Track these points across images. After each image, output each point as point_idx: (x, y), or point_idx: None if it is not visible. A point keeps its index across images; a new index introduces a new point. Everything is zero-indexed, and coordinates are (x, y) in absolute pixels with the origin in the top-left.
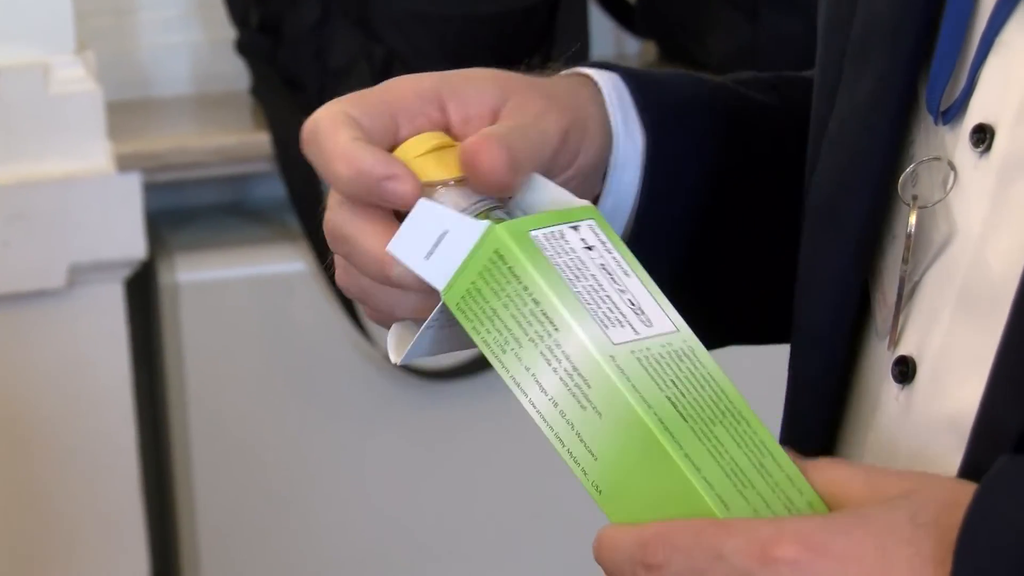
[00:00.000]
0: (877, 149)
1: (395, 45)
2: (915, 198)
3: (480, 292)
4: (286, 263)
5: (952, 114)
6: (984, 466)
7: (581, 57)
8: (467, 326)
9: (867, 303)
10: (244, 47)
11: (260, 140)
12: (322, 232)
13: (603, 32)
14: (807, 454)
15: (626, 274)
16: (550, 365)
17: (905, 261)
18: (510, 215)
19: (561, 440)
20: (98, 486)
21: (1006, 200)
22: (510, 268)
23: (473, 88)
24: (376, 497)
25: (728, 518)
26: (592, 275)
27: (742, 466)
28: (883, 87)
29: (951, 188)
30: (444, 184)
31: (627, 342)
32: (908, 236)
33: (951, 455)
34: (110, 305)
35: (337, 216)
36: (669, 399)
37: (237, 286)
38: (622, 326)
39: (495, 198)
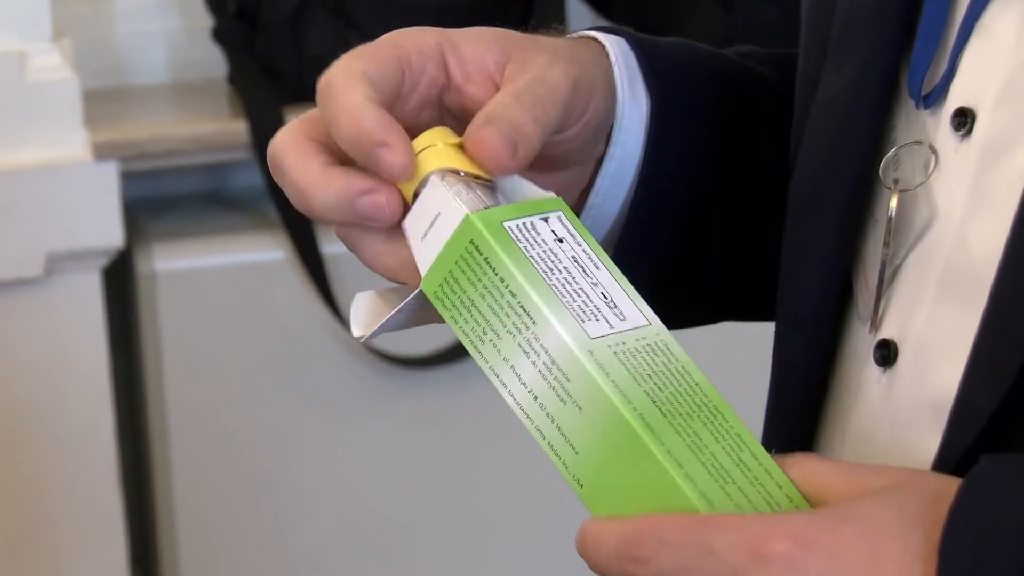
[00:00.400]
0: (859, 134)
1: (372, 33)
2: (896, 182)
3: (457, 282)
4: (264, 252)
5: (933, 98)
6: (959, 449)
7: None
8: (445, 315)
9: (851, 288)
10: (221, 35)
11: (238, 128)
12: (300, 220)
13: (580, 19)
14: (790, 439)
15: (596, 267)
16: (528, 358)
17: (886, 245)
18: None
19: (541, 433)
20: (76, 474)
21: (986, 183)
22: (486, 259)
23: (474, 45)
24: (356, 484)
25: (715, 513)
26: (565, 267)
27: (722, 461)
28: (866, 72)
29: (932, 172)
30: (469, 176)
31: (603, 336)
32: (889, 220)
33: (931, 438)
34: (88, 294)
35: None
36: (647, 394)
37: (215, 275)
38: (597, 320)
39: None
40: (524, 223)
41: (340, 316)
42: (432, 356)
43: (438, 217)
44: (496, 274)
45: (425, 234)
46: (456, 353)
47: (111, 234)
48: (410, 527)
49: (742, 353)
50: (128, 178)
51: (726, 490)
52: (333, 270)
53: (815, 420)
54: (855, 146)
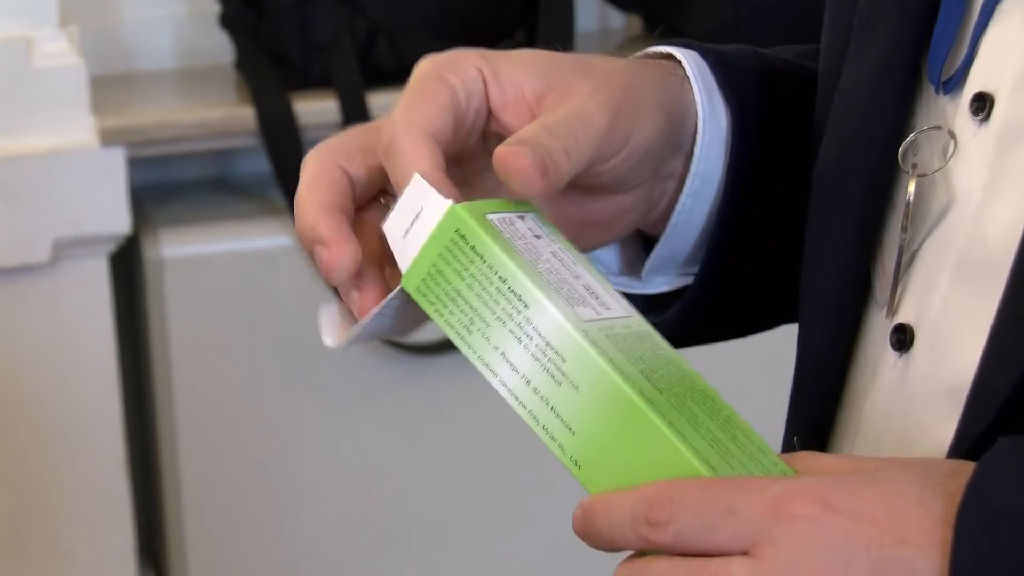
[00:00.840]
0: (881, 121)
1: (378, 18)
2: (915, 167)
3: (442, 274)
4: (270, 238)
5: (953, 84)
6: (975, 432)
7: (565, 29)
8: (429, 310)
9: (870, 273)
10: (228, 21)
11: (245, 114)
12: None
13: (588, 4)
14: (809, 427)
15: (574, 263)
16: (520, 342)
17: (904, 229)
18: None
19: (535, 417)
20: (83, 460)
21: (1004, 168)
22: (472, 247)
23: (514, 72)
24: (360, 471)
25: (732, 477)
26: (547, 259)
27: (720, 437)
28: (889, 59)
29: (951, 157)
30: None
31: (594, 320)
32: (907, 205)
33: (947, 422)
34: (94, 280)
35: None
36: (642, 372)
37: (221, 261)
38: (585, 306)
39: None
40: (504, 217)
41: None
42: (438, 343)
43: (420, 212)
44: (484, 261)
45: (407, 232)
46: None
47: (118, 220)
48: (414, 514)
49: (763, 346)
50: (135, 164)
51: (729, 463)
52: None
53: (834, 406)
54: (876, 133)
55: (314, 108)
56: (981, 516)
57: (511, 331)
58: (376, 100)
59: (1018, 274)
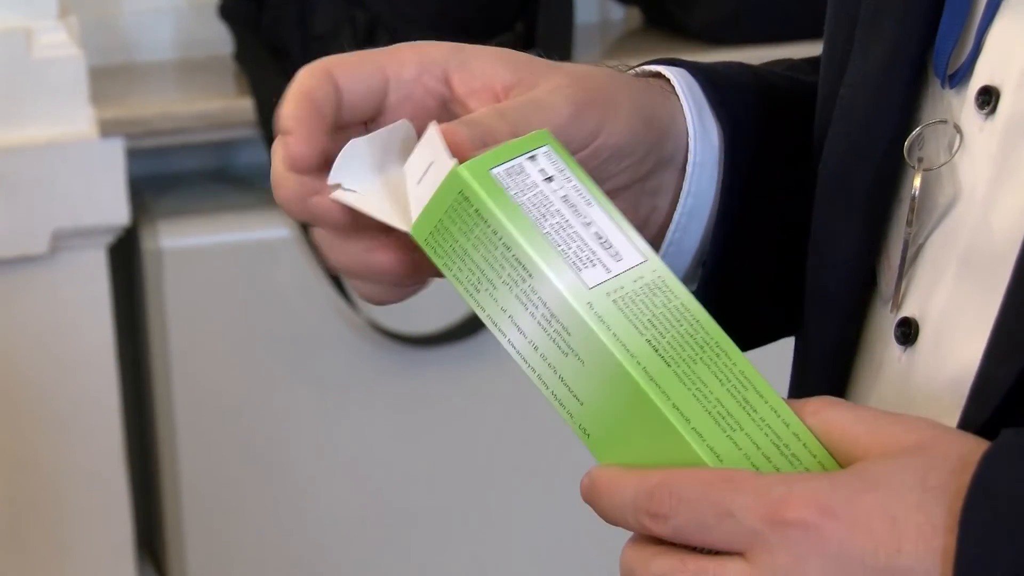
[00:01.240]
0: (887, 115)
1: (378, 10)
2: (920, 161)
3: (448, 231)
4: (270, 229)
5: (959, 78)
6: (977, 424)
7: (565, 22)
8: (438, 262)
9: (875, 267)
10: (227, 12)
11: (244, 106)
12: None
13: (586, 3)
14: None
15: (588, 203)
16: (527, 309)
17: (909, 224)
18: None
19: (544, 382)
20: (82, 451)
21: (1010, 162)
22: (476, 211)
23: (486, 63)
24: (360, 462)
25: (736, 472)
26: (557, 210)
27: (728, 407)
28: (894, 54)
29: (957, 151)
30: None
31: (601, 283)
32: (913, 199)
33: (950, 415)
34: (93, 271)
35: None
36: (649, 342)
37: (220, 252)
38: (594, 266)
39: None
40: (511, 167)
41: (345, 293)
42: (438, 334)
43: (431, 165)
44: (488, 226)
45: (420, 179)
46: (462, 332)
47: (117, 211)
48: (414, 504)
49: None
50: (134, 155)
51: (734, 439)
52: None
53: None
54: (883, 127)
55: None
56: (986, 513)
57: (517, 297)
58: None
59: (1023, 267)
